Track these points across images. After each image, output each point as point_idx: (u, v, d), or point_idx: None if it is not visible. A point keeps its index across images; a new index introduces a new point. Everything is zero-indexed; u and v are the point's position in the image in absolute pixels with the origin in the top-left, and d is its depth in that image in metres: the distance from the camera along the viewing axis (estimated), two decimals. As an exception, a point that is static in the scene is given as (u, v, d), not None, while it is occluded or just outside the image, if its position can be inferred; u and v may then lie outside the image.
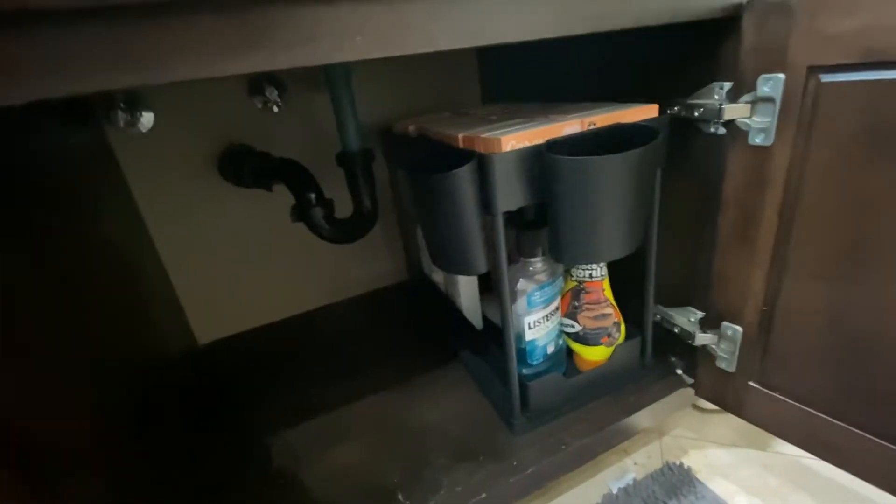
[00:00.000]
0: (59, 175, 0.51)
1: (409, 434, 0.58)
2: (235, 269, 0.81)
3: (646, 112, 0.48)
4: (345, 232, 0.65)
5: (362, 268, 0.91)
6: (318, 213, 0.60)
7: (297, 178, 0.61)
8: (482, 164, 0.42)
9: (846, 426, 0.45)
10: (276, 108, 0.74)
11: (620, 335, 0.58)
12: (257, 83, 0.71)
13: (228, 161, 0.71)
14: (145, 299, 0.66)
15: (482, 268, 0.47)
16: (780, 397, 0.50)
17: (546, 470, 0.52)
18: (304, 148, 0.77)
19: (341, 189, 0.68)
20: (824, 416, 0.46)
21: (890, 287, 0.39)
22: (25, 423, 0.32)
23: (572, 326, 0.57)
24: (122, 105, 0.64)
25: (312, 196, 0.60)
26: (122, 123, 0.65)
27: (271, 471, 0.57)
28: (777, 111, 0.42)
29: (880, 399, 0.42)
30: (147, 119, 0.67)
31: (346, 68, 0.61)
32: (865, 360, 0.42)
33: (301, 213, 0.61)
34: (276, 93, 0.71)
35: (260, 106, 0.74)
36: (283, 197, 0.66)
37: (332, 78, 0.61)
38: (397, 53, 0.29)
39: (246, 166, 0.67)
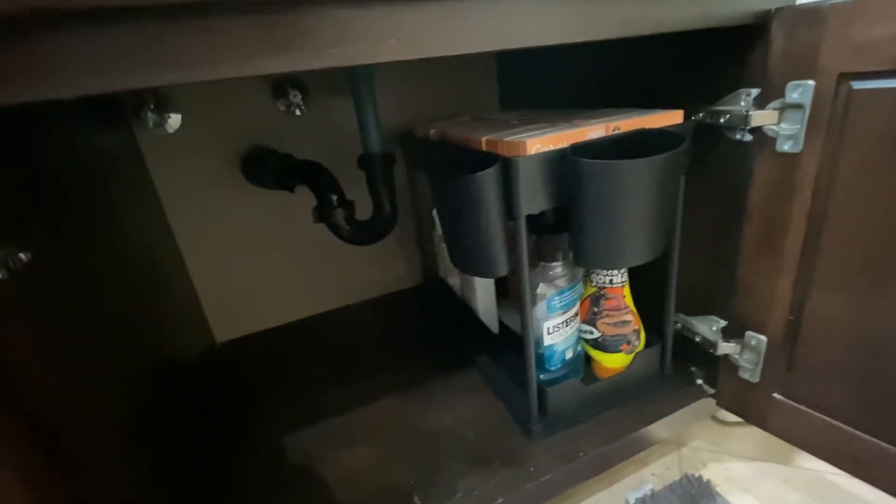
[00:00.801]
0: (88, 174, 0.52)
1: (424, 437, 0.58)
2: (255, 269, 0.82)
3: (670, 118, 0.47)
4: (364, 234, 0.65)
5: (378, 270, 0.92)
6: (340, 214, 0.61)
7: (319, 179, 0.62)
8: (506, 167, 0.42)
9: (875, 440, 0.44)
10: (298, 112, 0.75)
11: (640, 343, 0.57)
12: (281, 87, 0.73)
13: (251, 162, 0.73)
14: (168, 297, 0.67)
15: (503, 270, 0.47)
16: (806, 409, 0.49)
17: (562, 477, 0.52)
18: (326, 150, 0.78)
19: (361, 192, 0.69)
20: (852, 430, 0.45)
21: (923, 298, 0.38)
22: (54, 414, 0.33)
23: (591, 333, 0.57)
24: (151, 106, 0.66)
25: (334, 197, 0.61)
26: (150, 124, 0.66)
27: (286, 470, 0.57)
28: (806, 118, 0.42)
29: (912, 414, 0.41)
30: (175, 120, 0.69)
31: (371, 71, 0.62)
32: (893, 372, 0.41)
33: (322, 213, 0.62)
34: (299, 96, 0.72)
35: (283, 109, 0.75)
36: (303, 199, 0.66)
37: (355, 81, 0.62)
38: (428, 56, 0.30)
39: (269, 167, 0.68)
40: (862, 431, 0.44)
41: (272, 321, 0.88)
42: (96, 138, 0.57)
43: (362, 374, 0.72)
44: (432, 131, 0.63)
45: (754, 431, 0.56)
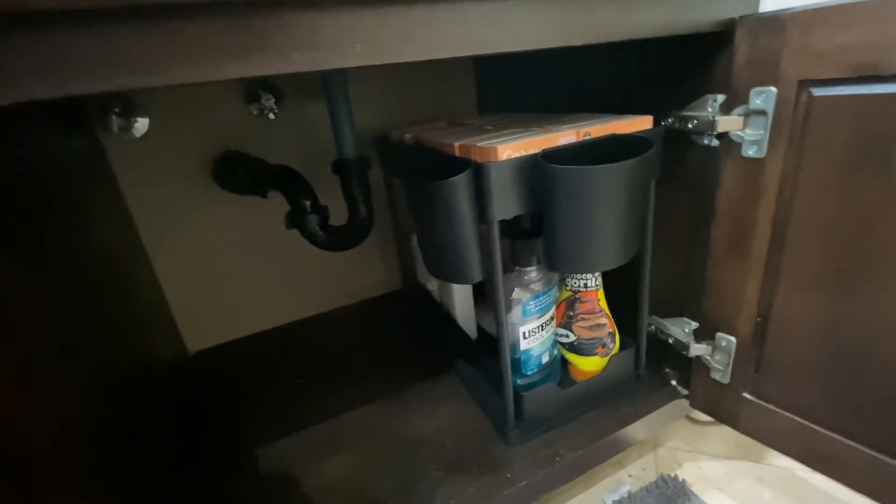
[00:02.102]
0: (51, 180, 0.50)
1: (403, 445, 0.58)
2: (228, 276, 0.81)
3: (640, 123, 0.48)
4: (339, 240, 0.64)
5: (356, 276, 0.91)
6: (313, 220, 0.60)
7: (292, 184, 0.61)
8: (478, 172, 0.42)
9: (842, 438, 0.45)
10: (272, 116, 0.74)
11: (615, 345, 0.58)
12: (253, 90, 0.71)
13: (223, 167, 0.71)
14: (136, 307, 0.65)
15: (477, 276, 0.47)
16: (775, 409, 0.50)
17: (540, 482, 0.52)
18: (300, 155, 0.77)
19: (337, 197, 0.68)
20: (819, 428, 0.46)
21: (881, 299, 0.39)
22: (14, 431, 0.31)
23: (567, 336, 0.57)
24: (116, 110, 0.63)
25: (307, 203, 0.60)
26: (116, 128, 0.64)
27: (263, 482, 0.55)
28: (769, 124, 0.43)
29: (875, 411, 0.42)
30: (142, 124, 0.67)
31: (343, 75, 0.62)
32: (859, 371, 0.42)
33: (296, 219, 0.61)
34: (272, 100, 0.71)
35: (256, 113, 0.74)
36: (277, 204, 0.65)
37: (328, 85, 0.61)
38: (397, 61, 0.29)
39: (241, 173, 0.67)
40: (829, 430, 0.45)
41: (247, 329, 0.86)
42: (57, 144, 0.55)
43: (341, 382, 0.71)
44: (407, 136, 0.63)
45: (727, 430, 0.57)
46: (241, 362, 0.80)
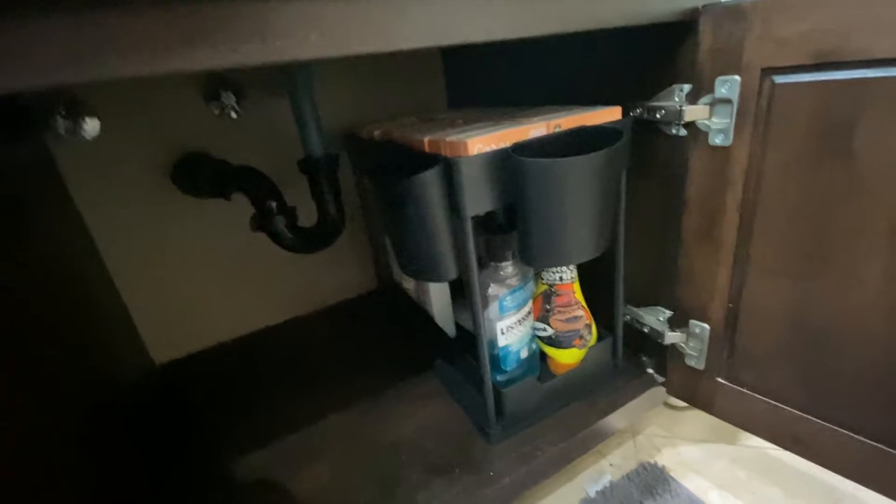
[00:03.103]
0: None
1: (382, 450, 0.56)
2: (194, 283, 0.77)
3: (609, 114, 0.48)
4: (309, 241, 0.62)
5: (330, 278, 0.89)
6: (280, 221, 0.58)
7: (255, 185, 0.58)
8: (449, 167, 0.41)
9: (811, 418, 0.46)
10: (234, 115, 0.70)
11: (592, 337, 0.58)
12: (212, 89, 0.68)
13: (183, 170, 0.68)
14: (90, 319, 0.61)
15: (452, 274, 0.46)
16: (748, 392, 0.51)
17: (523, 478, 0.51)
18: (265, 155, 0.74)
19: (306, 197, 0.66)
20: (790, 410, 0.47)
21: (847, 282, 0.40)
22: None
23: (544, 330, 0.57)
24: (62, 111, 0.59)
25: (273, 204, 0.57)
26: (63, 131, 0.60)
27: (237, 495, 0.53)
28: (734, 112, 0.43)
29: (842, 391, 0.43)
30: (92, 126, 0.62)
31: (308, 70, 0.59)
32: (826, 353, 0.43)
33: (261, 222, 0.58)
34: (233, 98, 0.68)
35: (217, 112, 0.70)
36: (243, 206, 0.63)
37: (292, 81, 0.58)
38: (356, 53, 0.28)
39: (201, 174, 0.64)
40: (799, 410, 0.47)
41: (217, 337, 0.83)
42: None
43: (317, 387, 0.69)
44: (376, 132, 0.61)
45: (702, 414, 0.58)
46: (211, 372, 0.77)
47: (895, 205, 0.36)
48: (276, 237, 0.59)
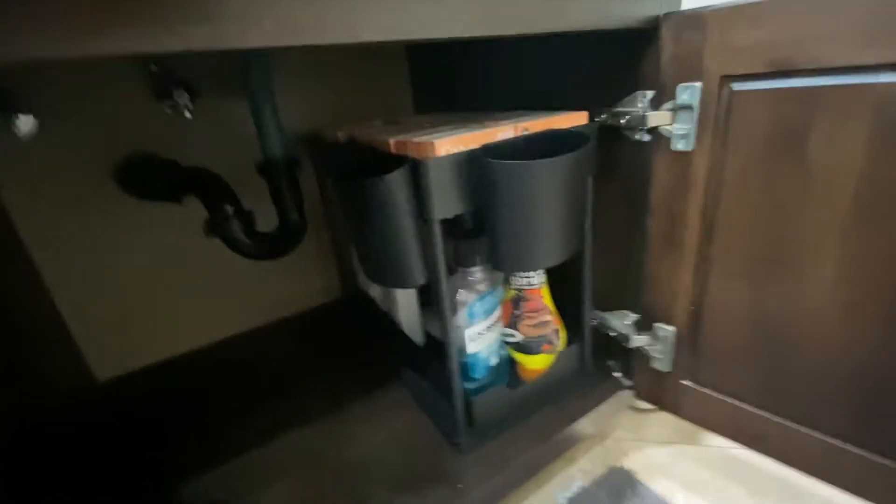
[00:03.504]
0: None
1: (348, 466, 0.54)
2: (142, 294, 0.72)
3: (576, 119, 0.48)
4: (269, 247, 0.59)
5: (291, 286, 0.85)
6: (236, 226, 0.54)
7: (209, 188, 0.55)
8: (416, 169, 0.39)
9: (771, 416, 0.47)
10: (188, 114, 0.66)
11: (561, 342, 0.57)
12: (163, 85, 0.64)
13: (131, 172, 0.63)
14: (13, 335, 0.56)
15: (419, 279, 0.44)
16: (712, 393, 0.52)
17: (494, 489, 0.50)
18: (222, 157, 0.70)
19: (266, 201, 0.62)
20: (751, 409, 0.48)
21: (801, 283, 0.42)
22: None
23: (513, 336, 0.56)
24: (-11, 105, 0.54)
25: (228, 208, 0.54)
26: (-10, 127, 0.55)
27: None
28: (696, 118, 0.44)
29: (800, 389, 0.44)
30: (25, 123, 0.57)
31: (265, 64, 0.56)
32: (784, 352, 0.44)
33: (216, 227, 0.55)
34: (187, 96, 0.64)
35: (169, 111, 0.66)
36: (196, 210, 0.59)
37: (248, 76, 0.56)
38: (313, 42, 0.26)
39: (150, 177, 0.59)
40: (760, 409, 0.48)
41: (169, 351, 0.77)
42: None
43: (279, 402, 0.65)
44: (340, 134, 0.59)
45: (667, 414, 0.58)
46: (160, 389, 0.71)
47: (846, 209, 0.37)
48: (231, 243, 0.56)
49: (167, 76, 0.64)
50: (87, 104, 0.61)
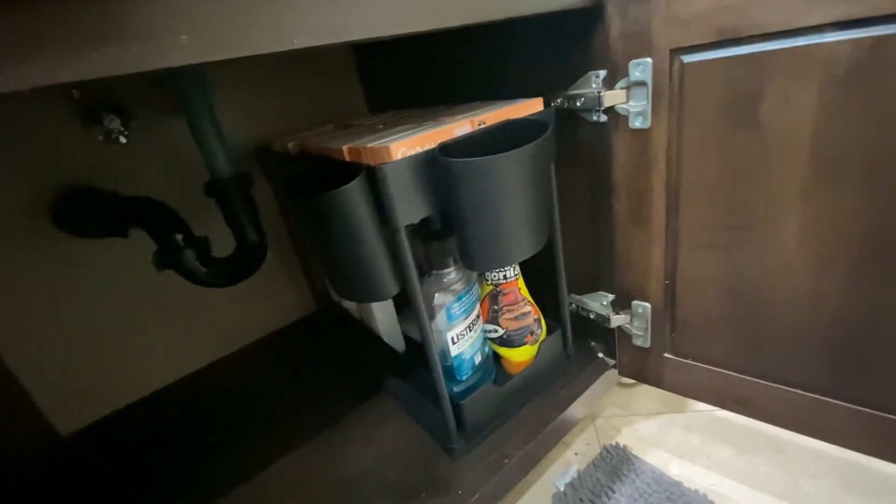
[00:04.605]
0: None
1: (341, 486, 0.52)
2: (97, 337, 0.67)
3: (531, 106, 0.47)
4: (228, 272, 0.56)
5: (260, 307, 0.81)
6: (189, 255, 0.51)
7: (155, 217, 0.51)
8: (373, 176, 0.37)
9: (751, 378, 0.48)
10: (123, 139, 0.62)
11: (542, 331, 0.57)
12: (90, 111, 0.59)
13: (65, 208, 0.58)
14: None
15: (393, 290, 0.43)
16: (692, 363, 0.52)
17: (493, 489, 0.49)
18: (166, 182, 0.66)
19: (221, 225, 0.59)
20: (731, 373, 0.49)
21: (768, 245, 0.42)
22: None
23: (495, 331, 0.55)
24: None
25: (178, 237, 0.50)
26: None
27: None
28: (650, 94, 0.44)
29: (776, 349, 0.45)
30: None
31: (199, 78, 0.53)
32: (759, 315, 0.45)
33: (166, 258, 0.51)
34: (117, 121, 0.59)
35: (101, 138, 0.61)
36: (145, 242, 0.55)
37: (183, 94, 0.52)
38: (239, 55, 0.23)
39: (88, 212, 0.55)
40: (740, 373, 0.49)
41: (137, 393, 0.73)
42: None
43: (262, 428, 0.62)
44: (291, 144, 0.56)
45: (653, 388, 0.59)
46: (134, 433, 0.67)
47: (803, 168, 0.38)
48: (186, 273, 0.52)
49: (93, 101, 0.59)
50: (9, 139, 0.56)
